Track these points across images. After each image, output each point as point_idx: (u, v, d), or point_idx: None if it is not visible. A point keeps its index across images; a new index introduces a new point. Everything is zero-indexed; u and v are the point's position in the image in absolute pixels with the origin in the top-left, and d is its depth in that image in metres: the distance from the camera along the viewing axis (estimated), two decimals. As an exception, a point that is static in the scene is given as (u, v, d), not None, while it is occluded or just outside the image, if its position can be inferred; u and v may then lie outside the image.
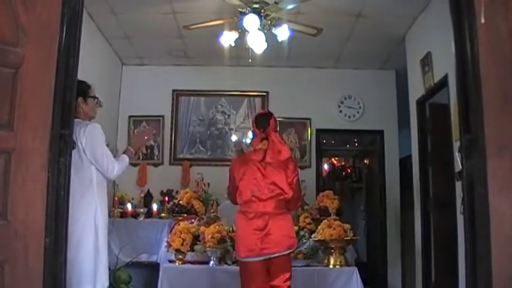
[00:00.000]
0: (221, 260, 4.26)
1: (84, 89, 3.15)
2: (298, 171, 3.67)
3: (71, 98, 2.14)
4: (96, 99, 3.27)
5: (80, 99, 3.11)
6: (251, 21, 4.53)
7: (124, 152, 3.32)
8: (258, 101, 7.00)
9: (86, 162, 3.05)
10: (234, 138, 6.85)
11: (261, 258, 3.43)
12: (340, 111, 7.01)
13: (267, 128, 3.64)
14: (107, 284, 3.07)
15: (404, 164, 6.72)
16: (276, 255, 3.44)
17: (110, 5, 5.13)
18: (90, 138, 3.03)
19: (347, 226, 4.40)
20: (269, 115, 3.71)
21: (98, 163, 3.07)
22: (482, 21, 2.03)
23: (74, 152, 2.65)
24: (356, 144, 8.73)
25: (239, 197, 3.56)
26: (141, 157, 6.68)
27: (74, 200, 2.70)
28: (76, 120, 2.91)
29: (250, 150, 3.78)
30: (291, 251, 3.56)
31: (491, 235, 1.94)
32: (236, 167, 3.64)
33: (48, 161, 1.98)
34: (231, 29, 4.89)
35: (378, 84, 7.01)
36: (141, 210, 6.07)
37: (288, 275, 3.49)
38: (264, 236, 3.42)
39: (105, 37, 6.02)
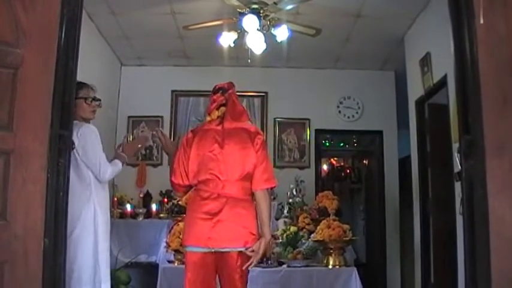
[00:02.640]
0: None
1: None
2: (265, 144, 3.00)
3: (70, 98, 2.14)
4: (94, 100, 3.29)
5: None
6: (250, 22, 4.54)
7: (116, 157, 3.27)
8: (257, 101, 6.98)
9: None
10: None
11: (207, 250, 2.77)
12: (339, 111, 7.00)
13: (227, 92, 3.01)
14: (108, 284, 3.07)
15: (404, 164, 6.72)
16: (226, 250, 2.77)
17: (110, 6, 5.13)
18: (83, 139, 3.02)
19: (346, 226, 4.39)
20: (230, 86, 3.07)
21: (89, 164, 3.06)
22: (481, 21, 2.03)
23: (72, 153, 2.66)
24: (355, 144, 8.73)
25: (194, 176, 2.92)
26: (140, 158, 6.68)
27: (73, 201, 2.70)
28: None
29: (205, 120, 3.12)
30: (246, 249, 2.80)
31: (491, 236, 1.94)
32: (188, 141, 2.97)
33: (47, 161, 1.98)
34: (230, 30, 4.90)
35: (377, 85, 7.01)
36: (140, 210, 6.07)
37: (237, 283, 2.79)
38: (216, 223, 2.77)
39: (104, 37, 6.01)
